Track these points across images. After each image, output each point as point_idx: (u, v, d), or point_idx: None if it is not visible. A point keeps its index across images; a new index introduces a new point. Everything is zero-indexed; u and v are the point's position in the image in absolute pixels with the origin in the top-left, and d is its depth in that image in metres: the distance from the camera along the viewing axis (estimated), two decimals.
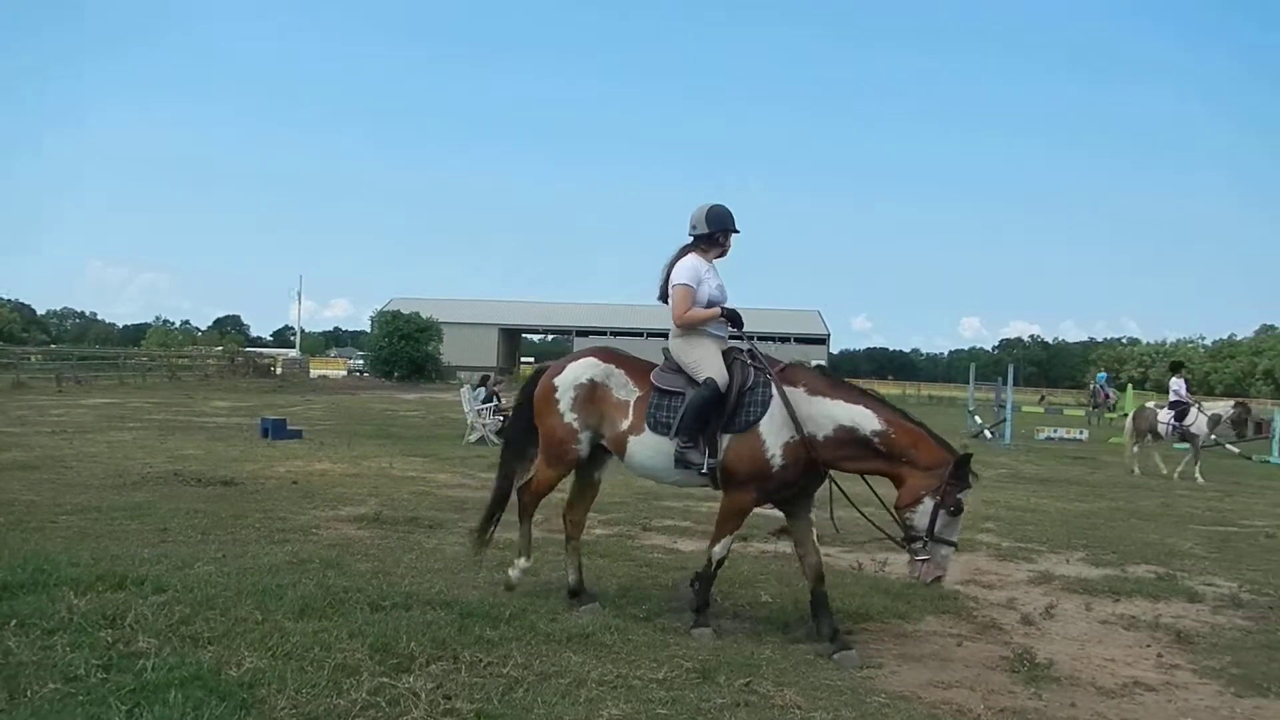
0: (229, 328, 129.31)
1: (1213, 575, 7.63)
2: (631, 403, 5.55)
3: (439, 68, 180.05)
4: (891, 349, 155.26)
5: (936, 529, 5.00)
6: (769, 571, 6.87)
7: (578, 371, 5.68)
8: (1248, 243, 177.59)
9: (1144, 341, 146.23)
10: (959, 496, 5.01)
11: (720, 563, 5.42)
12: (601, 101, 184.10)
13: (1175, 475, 16.07)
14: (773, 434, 5.24)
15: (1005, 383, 23.18)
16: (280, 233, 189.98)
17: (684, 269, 5.58)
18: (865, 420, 5.17)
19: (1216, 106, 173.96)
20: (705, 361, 5.41)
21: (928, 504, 5.02)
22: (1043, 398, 56.57)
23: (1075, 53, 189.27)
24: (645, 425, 5.44)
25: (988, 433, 22.93)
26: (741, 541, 7.95)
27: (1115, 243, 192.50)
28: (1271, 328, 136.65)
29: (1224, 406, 17.80)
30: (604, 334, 63.23)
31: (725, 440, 5.29)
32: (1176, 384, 17.69)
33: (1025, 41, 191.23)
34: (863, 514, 5.61)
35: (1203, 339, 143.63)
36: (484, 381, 18.56)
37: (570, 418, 5.63)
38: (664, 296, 5.71)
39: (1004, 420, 22.26)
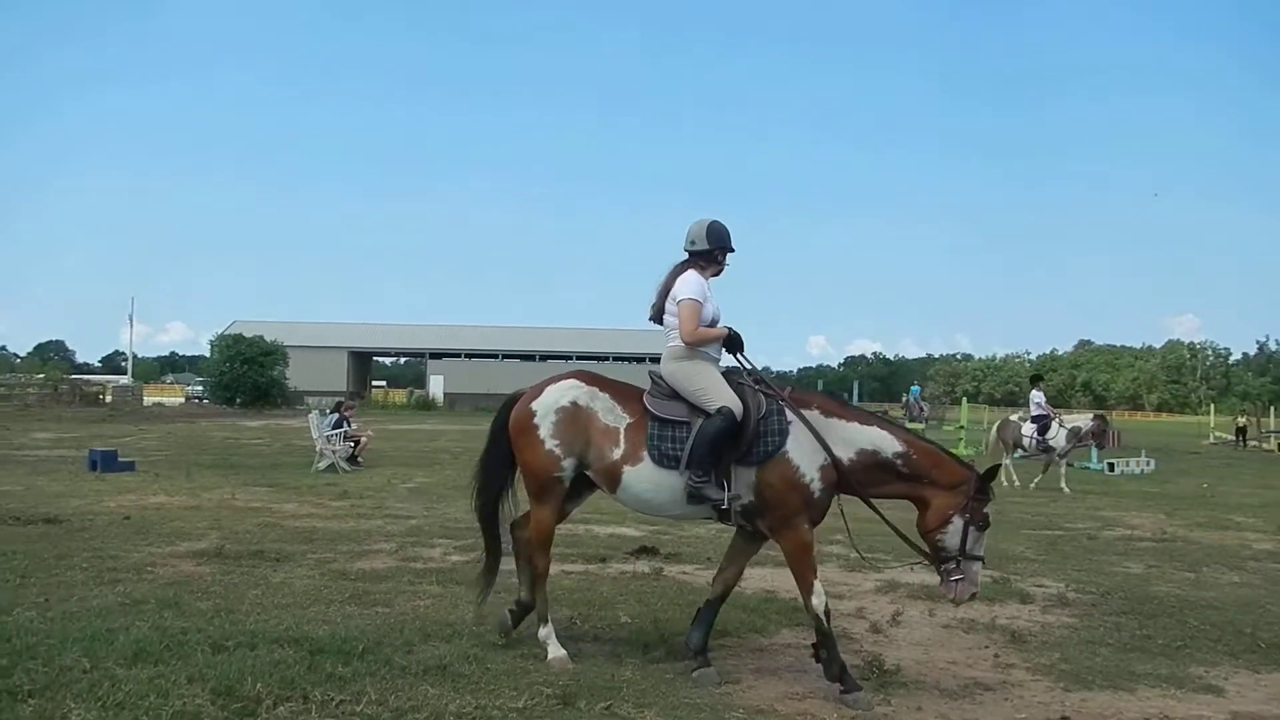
0: (51, 354, 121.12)
1: (1042, 577, 8.10)
2: (622, 430, 5.14)
3: (279, 87, 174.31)
4: (747, 366, 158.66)
5: (968, 546, 4.99)
6: (629, 592, 6.89)
7: (558, 394, 5.25)
8: (1066, 263, 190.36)
9: (976, 357, 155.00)
10: (985, 511, 5.03)
11: (827, 613, 4.95)
12: (444, 118, 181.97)
13: (1032, 486, 16.85)
14: (804, 459, 5.00)
15: (851, 398, 24.04)
16: (109, 252, 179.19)
17: (691, 283, 5.28)
18: (885, 443, 5.11)
19: (1043, 125, 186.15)
20: (714, 389, 5.08)
21: (957, 523, 4.99)
22: (885, 412, 58.97)
23: (924, 64, 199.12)
24: (645, 456, 5.06)
25: None
26: (600, 563, 7.98)
27: (949, 263, 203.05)
28: (1088, 343, 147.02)
29: (1084, 420, 18.58)
30: (458, 356, 62.51)
31: (749, 473, 4.98)
32: (1037, 396, 18.29)
33: (864, 54, 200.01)
34: (899, 533, 5.36)
35: (1028, 354, 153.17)
36: (338, 408, 18.00)
37: (552, 445, 5.15)
38: (657, 317, 5.45)
39: None
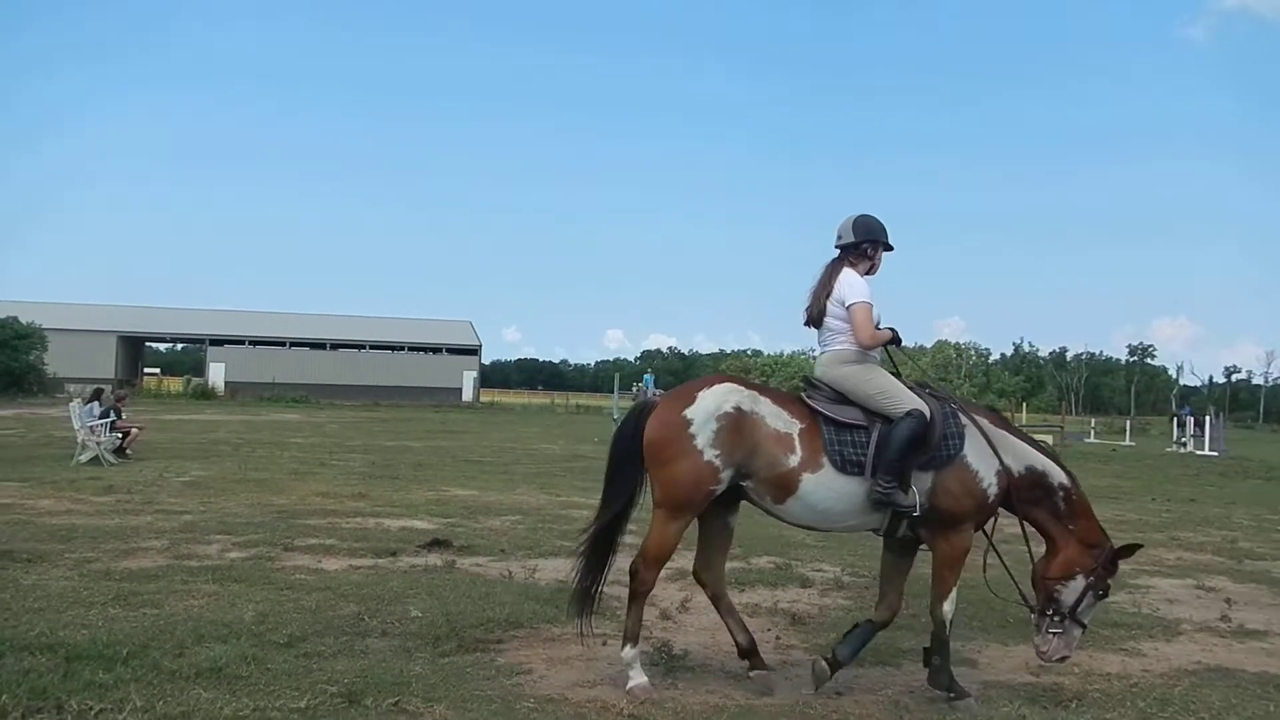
0: None
1: (821, 562, 8.55)
2: (795, 435, 4.80)
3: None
4: (541, 359, 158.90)
5: (1080, 608, 4.91)
6: (420, 586, 6.75)
7: (719, 399, 4.79)
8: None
9: (765, 353, 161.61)
10: (1109, 582, 4.99)
11: (951, 622, 4.90)
12: (229, 95, 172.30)
13: None
14: (981, 463, 4.87)
15: (647, 388, 24.53)
16: None
17: (858, 285, 5.04)
18: (1053, 471, 5.02)
19: (835, 124, 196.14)
20: (897, 392, 4.90)
21: (1080, 582, 4.90)
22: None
23: (730, 58, 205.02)
24: (825, 462, 4.76)
25: None
26: (390, 556, 7.79)
27: (741, 261, 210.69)
28: None
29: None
30: (242, 343, 59.29)
31: (925, 479, 4.77)
32: None
33: (661, 46, 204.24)
34: (1009, 572, 5.18)
35: (813, 351, 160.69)
36: (97, 395, 16.68)
37: (711, 455, 4.69)
38: (815, 320, 5.18)
39: None
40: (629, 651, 4.80)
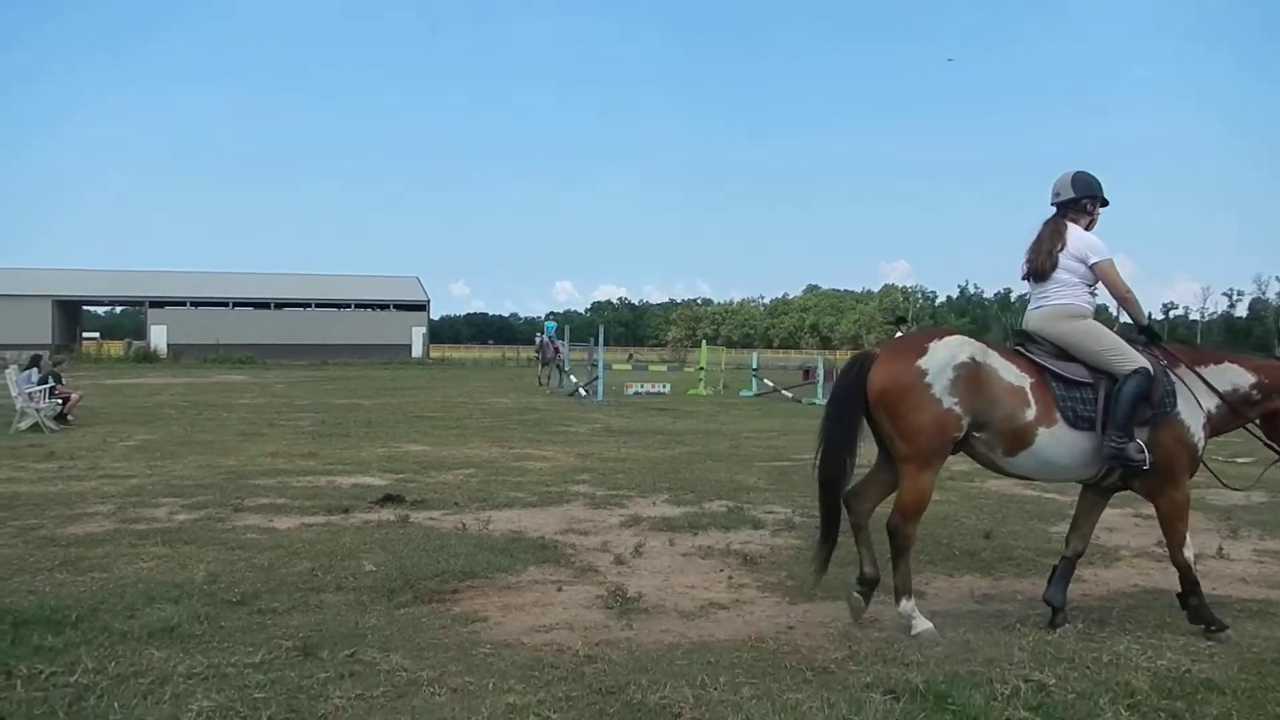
0: None
1: (773, 504, 8.67)
2: (1028, 389, 4.90)
3: None
4: (491, 314, 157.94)
5: None
6: (373, 541, 6.74)
7: (952, 349, 4.86)
8: (796, 212, 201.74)
9: (715, 301, 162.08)
10: None
11: (1194, 562, 5.16)
12: (141, 44, 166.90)
13: None
14: (1192, 418, 5.05)
15: (597, 343, 24.49)
16: None
17: (1098, 242, 5.18)
18: (1241, 378, 5.25)
19: (770, 80, 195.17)
20: (1123, 349, 5.01)
21: None
22: (631, 355, 60.51)
23: (665, 20, 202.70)
24: (1059, 418, 4.90)
25: (582, 390, 24.16)
26: (343, 513, 7.76)
27: (689, 211, 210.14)
28: (816, 287, 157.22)
29: None
30: (183, 304, 58.05)
31: (1143, 434, 4.91)
32: (900, 338, 18.65)
33: (604, 10, 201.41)
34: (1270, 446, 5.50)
35: (762, 298, 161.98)
36: (35, 361, 16.28)
37: (950, 403, 4.76)
38: (1039, 274, 5.23)
39: (597, 378, 23.56)
40: (906, 605, 4.93)
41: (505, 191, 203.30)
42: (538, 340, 30.33)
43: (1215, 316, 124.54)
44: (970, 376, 4.81)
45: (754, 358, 31.11)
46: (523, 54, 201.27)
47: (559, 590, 5.66)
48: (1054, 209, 5.39)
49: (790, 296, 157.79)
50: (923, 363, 4.82)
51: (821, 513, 5.25)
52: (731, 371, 32.31)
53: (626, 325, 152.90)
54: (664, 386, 27.44)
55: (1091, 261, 5.14)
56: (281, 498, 8.53)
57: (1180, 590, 5.18)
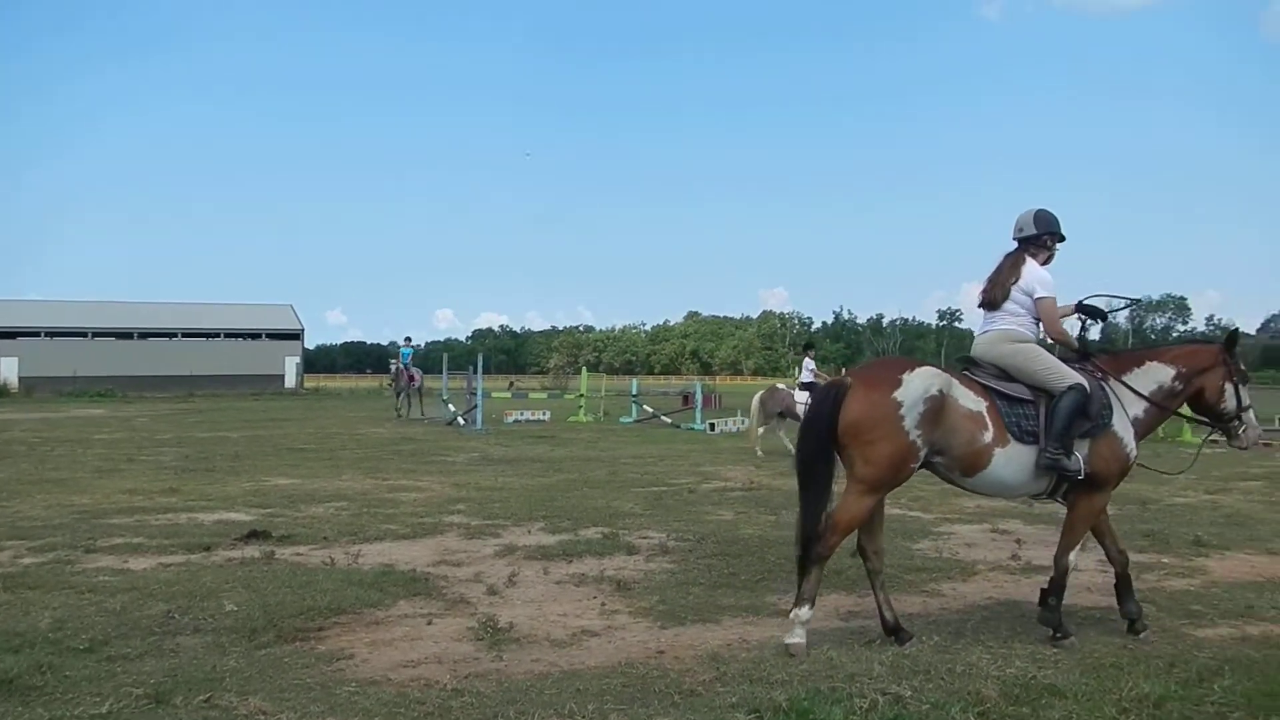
0: None
1: (648, 529, 8.74)
2: (984, 413, 5.22)
3: None
4: (369, 342, 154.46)
5: (1243, 402, 5.71)
6: (235, 579, 6.50)
7: (925, 383, 5.09)
8: (677, 238, 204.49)
9: (597, 328, 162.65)
10: (1242, 367, 5.77)
11: (1069, 571, 5.47)
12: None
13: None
14: (1124, 428, 5.44)
15: (476, 371, 24.26)
16: None
17: (1047, 279, 5.59)
18: (1162, 374, 5.68)
19: (652, 97, 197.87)
20: (1059, 368, 5.40)
21: (1229, 388, 5.70)
22: (512, 384, 60.05)
23: (540, 33, 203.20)
24: (1010, 437, 5.21)
25: (461, 419, 23.87)
26: (204, 551, 7.48)
27: (569, 236, 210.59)
28: (696, 314, 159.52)
29: None
30: (37, 334, 54.88)
31: (1083, 446, 5.27)
32: (808, 364, 18.35)
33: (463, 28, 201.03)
34: (1198, 420, 6.02)
35: (644, 325, 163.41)
36: None
37: (915, 435, 5.02)
38: (992, 303, 5.62)
39: (475, 407, 23.32)
40: (804, 612, 5.05)
41: (383, 218, 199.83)
42: (392, 367, 28.86)
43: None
44: (936, 409, 5.09)
45: (634, 384, 31.32)
46: (397, 72, 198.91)
47: (429, 623, 5.57)
48: (1015, 243, 5.78)
49: (671, 323, 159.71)
50: (898, 394, 5.06)
51: (801, 541, 5.24)
52: (612, 398, 32.42)
53: (508, 353, 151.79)
54: (544, 414, 27.34)
55: (1036, 295, 5.54)
56: (138, 537, 8.14)
57: (1045, 589, 5.49)
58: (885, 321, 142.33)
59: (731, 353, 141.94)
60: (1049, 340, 5.67)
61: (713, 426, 23.36)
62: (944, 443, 5.13)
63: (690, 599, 6.17)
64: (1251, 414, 5.83)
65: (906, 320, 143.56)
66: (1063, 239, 5.80)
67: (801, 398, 17.18)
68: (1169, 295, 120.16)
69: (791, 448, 16.69)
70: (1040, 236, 5.72)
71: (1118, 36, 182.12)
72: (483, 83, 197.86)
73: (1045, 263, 5.72)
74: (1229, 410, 5.77)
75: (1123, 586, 5.61)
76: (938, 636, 5.30)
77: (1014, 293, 5.58)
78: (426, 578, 6.70)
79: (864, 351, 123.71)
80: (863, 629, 5.55)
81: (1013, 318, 5.57)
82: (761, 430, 17.33)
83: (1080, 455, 5.26)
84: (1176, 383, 5.70)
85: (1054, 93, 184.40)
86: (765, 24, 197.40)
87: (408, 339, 29.77)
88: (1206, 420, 5.94)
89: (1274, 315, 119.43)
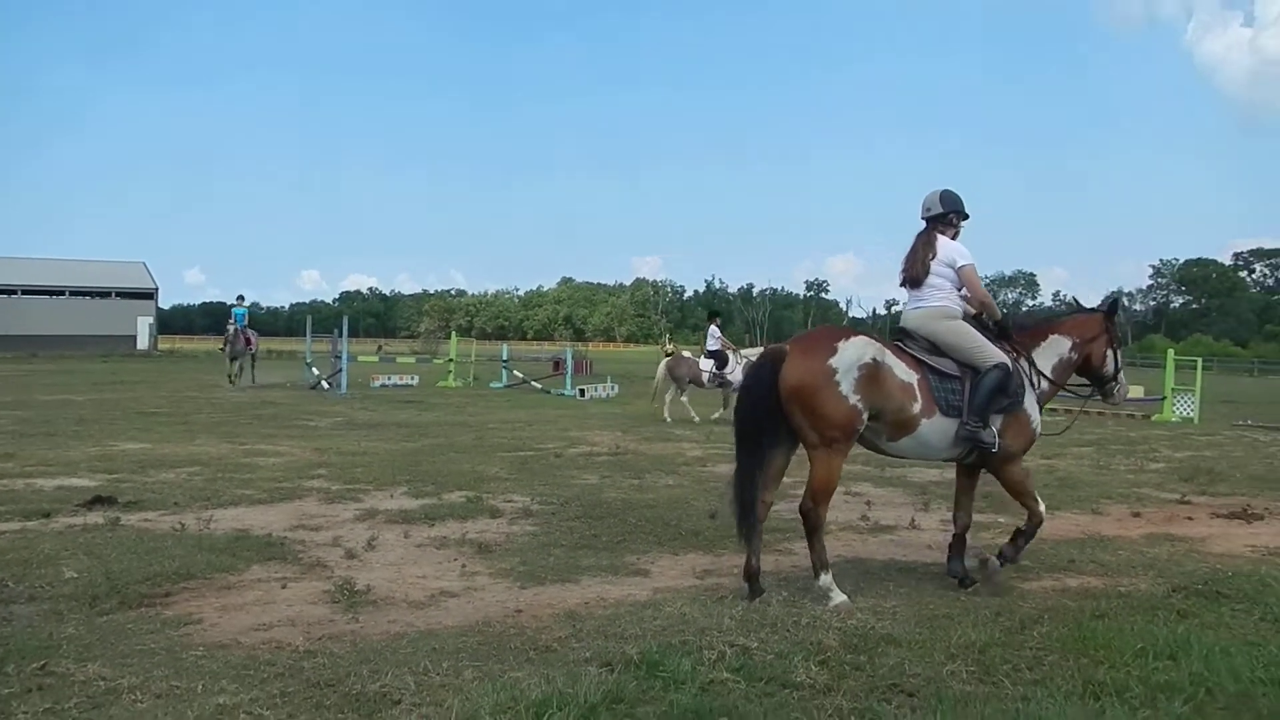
0: None
1: (512, 493, 8.77)
2: (914, 384, 5.50)
3: None
4: (229, 303, 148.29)
5: (1119, 367, 6.36)
6: (76, 546, 6.24)
7: (858, 350, 5.35)
8: (552, 202, 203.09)
9: (470, 293, 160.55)
10: (1117, 335, 6.39)
11: (1041, 521, 5.94)
12: None
13: (715, 417, 17.11)
14: (1032, 405, 5.85)
15: (341, 334, 23.68)
16: None
17: (964, 250, 5.90)
18: (1062, 345, 6.19)
19: (526, 63, 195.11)
20: (986, 346, 5.70)
21: (1109, 354, 6.31)
22: (380, 347, 58.86)
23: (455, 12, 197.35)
24: (937, 409, 5.51)
25: (325, 383, 23.30)
26: (43, 518, 7.14)
27: (442, 199, 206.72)
28: (570, 280, 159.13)
29: (756, 351, 18.97)
30: None
31: (998, 420, 5.63)
32: (714, 331, 18.07)
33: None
34: (1076, 395, 6.75)
35: (517, 290, 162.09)
36: None
37: (854, 399, 5.27)
38: (914, 281, 5.89)
39: (340, 371, 22.79)
40: (825, 579, 5.36)
41: (245, 174, 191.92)
42: (230, 330, 24.90)
43: None
44: (871, 375, 5.35)
45: (504, 349, 31.16)
46: (261, 37, 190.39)
47: (283, 587, 5.49)
48: (924, 223, 6.07)
49: (545, 289, 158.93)
50: (833, 361, 5.31)
51: (740, 508, 5.42)
52: (483, 363, 32.17)
53: (377, 316, 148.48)
54: (412, 379, 26.93)
55: (959, 265, 5.86)
56: None
57: (1022, 528, 5.95)
58: (755, 291, 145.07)
59: (605, 319, 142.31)
60: (972, 309, 5.94)
61: (583, 392, 23.49)
62: (880, 407, 5.40)
63: (551, 560, 6.25)
64: (1124, 378, 6.48)
65: (776, 290, 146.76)
66: (966, 216, 6.11)
67: (707, 365, 17.38)
68: (1020, 271, 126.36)
69: (695, 415, 17.10)
70: (947, 215, 6.03)
71: (974, 12, 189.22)
72: (355, 46, 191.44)
73: (953, 238, 6.03)
74: (1109, 373, 6.35)
75: (957, 546, 6.02)
76: (786, 592, 5.53)
77: (934, 268, 5.87)
78: (283, 542, 6.58)
79: (734, 319, 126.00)
80: (717, 585, 5.74)
81: (940, 293, 5.85)
82: (669, 398, 17.44)
83: (994, 429, 5.62)
84: (1072, 353, 6.21)
85: (916, 68, 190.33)
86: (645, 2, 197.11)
87: (240, 298, 26.44)
88: (1092, 383, 6.51)
89: (1114, 291, 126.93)
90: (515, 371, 27.56)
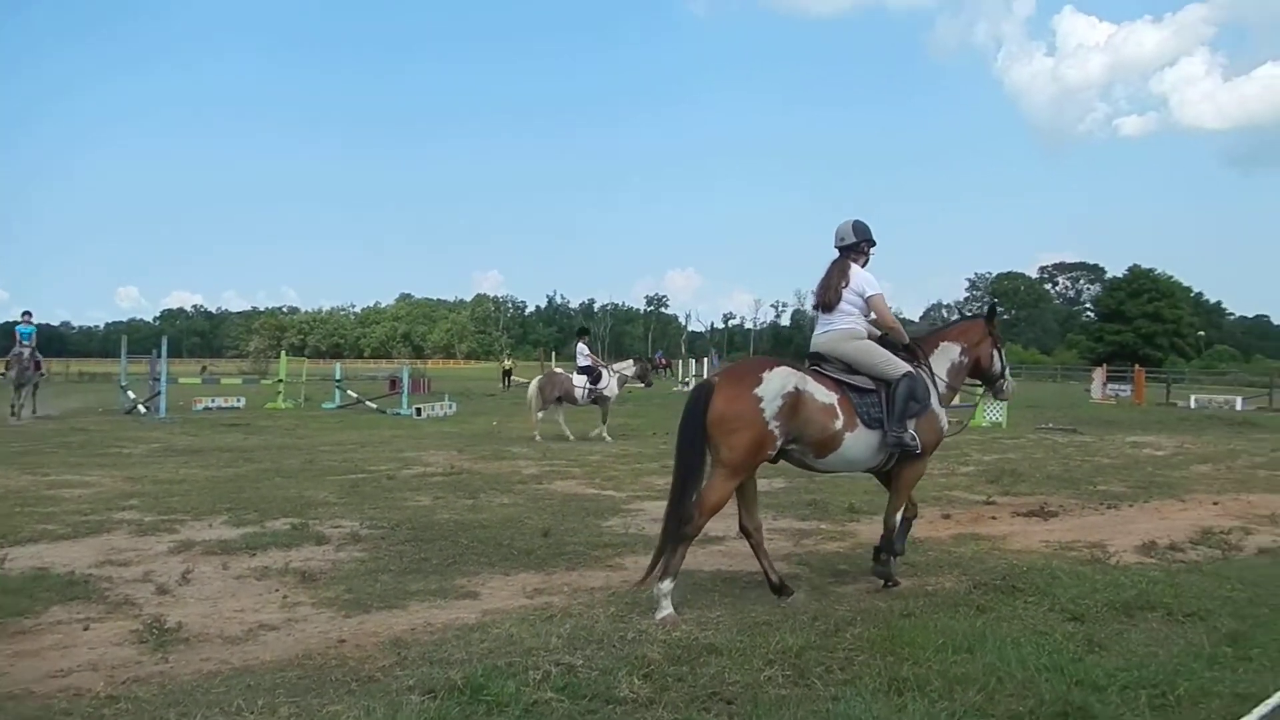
0: None
1: (341, 518, 8.53)
2: (835, 404, 5.84)
3: None
4: (37, 322, 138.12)
5: (1006, 366, 6.92)
6: None
7: (782, 381, 5.67)
8: (385, 219, 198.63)
9: (303, 310, 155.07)
10: (1000, 337, 6.89)
11: (896, 528, 6.24)
12: None
13: (594, 434, 17.04)
14: (938, 405, 6.27)
15: (160, 355, 22.47)
16: None
17: (873, 279, 6.30)
18: (954, 351, 6.65)
19: (375, 91, 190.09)
20: (892, 360, 6.10)
21: (996, 355, 6.83)
22: (204, 368, 56.14)
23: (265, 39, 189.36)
24: (859, 422, 5.87)
25: (142, 407, 22.05)
26: None
27: (270, 213, 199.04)
28: (409, 296, 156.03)
29: (627, 365, 18.58)
30: None
31: (911, 424, 6.01)
32: (582, 348, 17.91)
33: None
34: (973, 385, 7.15)
35: (353, 306, 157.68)
36: None
37: (774, 426, 5.60)
38: (828, 306, 6.25)
39: (159, 394, 21.61)
40: (667, 584, 5.45)
41: (55, 183, 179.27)
42: (23, 352, 21.23)
43: (765, 325, 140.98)
44: (792, 403, 5.67)
45: (338, 368, 30.28)
46: (67, 35, 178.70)
47: (85, 629, 5.17)
48: (838, 251, 6.44)
49: (382, 305, 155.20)
50: (758, 391, 5.63)
51: (667, 520, 5.65)
52: (315, 383, 31.15)
53: (202, 335, 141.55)
54: (239, 401, 25.82)
55: (868, 295, 6.26)
56: None
57: (878, 546, 6.28)
58: (597, 306, 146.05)
59: (445, 336, 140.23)
60: (879, 332, 6.36)
61: (419, 411, 23.07)
62: (799, 432, 5.74)
63: (378, 586, 6.13)
64: (1009, 372, 7.04)
65: (617, 305, 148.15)
66: (874, 244, 6.51)
67: (580, 381, 17.27)
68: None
69: (569, 433, 17.04)
70: (859, 243, 6.43)
71: (805, 39, 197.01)
72: (177, 56, 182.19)
73: (864, 265, 6.43)
74: (997, 372, 6.91)
75: (905, 528, 6.47)
76: (614, 607, 5.61)
77: (845, 295, 6.25)
78: (87, 580, 6.20)
79: (570, 339, 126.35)
80: (547, 604, 5.76)
81: (848, 317, 6.24)
82: (540, 415, 17.19)
83: (912, 431, 6.02)
84: (963, 357, 6.70)
85: (745, 94, 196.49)
86: (492, 25, 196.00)
87: (26, 314, 22.41)
88: (981, 383, 7.08)
89: (933, 304, 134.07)
90: (349, 391, 26.84)
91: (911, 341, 6.52)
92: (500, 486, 10.77)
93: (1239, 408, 30.06)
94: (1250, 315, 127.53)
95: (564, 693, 4.11)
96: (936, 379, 6.45)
